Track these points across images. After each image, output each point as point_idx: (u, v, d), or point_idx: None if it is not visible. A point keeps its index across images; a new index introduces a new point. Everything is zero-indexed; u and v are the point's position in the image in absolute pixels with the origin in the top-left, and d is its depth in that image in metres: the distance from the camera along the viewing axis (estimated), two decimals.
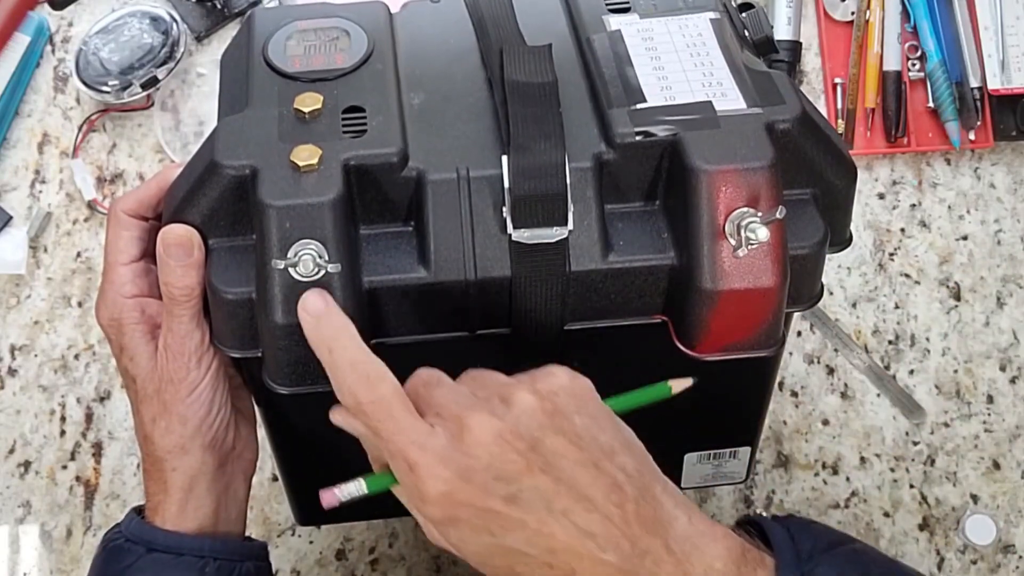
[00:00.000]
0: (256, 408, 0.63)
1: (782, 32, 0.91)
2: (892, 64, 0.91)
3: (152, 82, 0.88)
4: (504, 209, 0.51)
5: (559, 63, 0.55)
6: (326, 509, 0.49)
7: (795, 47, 0.91)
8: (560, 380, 0.48)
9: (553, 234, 0.51)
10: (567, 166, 0.51)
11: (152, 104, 0.91)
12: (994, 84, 0.88)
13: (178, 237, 0.53)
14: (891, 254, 0.88)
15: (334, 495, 0.49)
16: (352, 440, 0.65)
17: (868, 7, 0.91)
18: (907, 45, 0.92)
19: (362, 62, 0.56)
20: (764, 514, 0.81)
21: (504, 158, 0.51)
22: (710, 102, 0.54)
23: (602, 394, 0.62)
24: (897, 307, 0.87)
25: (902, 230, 0.89)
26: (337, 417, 0.51)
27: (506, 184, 0.51)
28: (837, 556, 0.49)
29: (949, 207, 0.90)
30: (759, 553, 0.49)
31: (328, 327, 0.48)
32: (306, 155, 0.51)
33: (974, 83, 0.89)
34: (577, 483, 0.46)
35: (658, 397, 0.52)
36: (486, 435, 0.45)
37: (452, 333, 0.54)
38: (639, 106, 0.54)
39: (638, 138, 0.52)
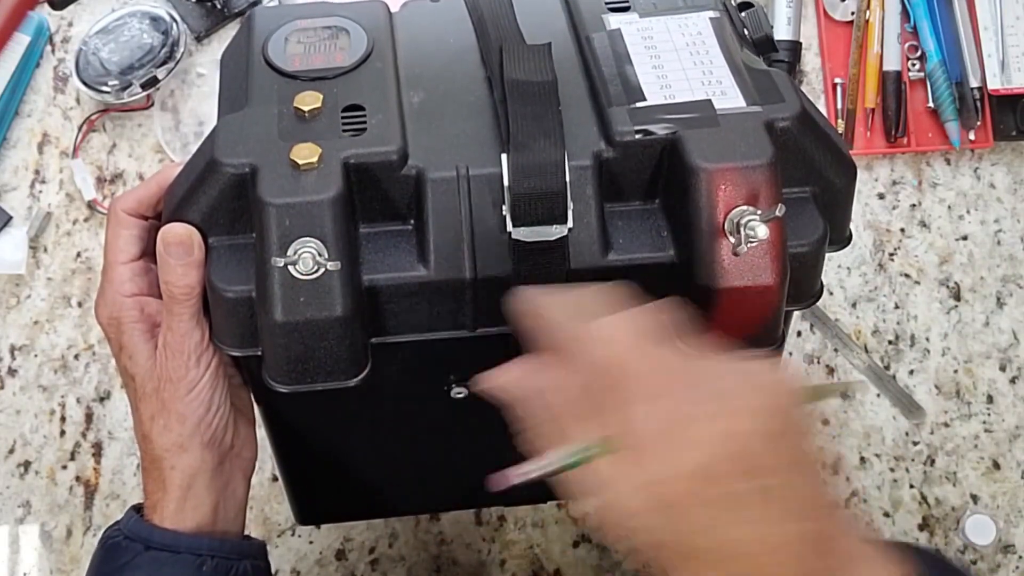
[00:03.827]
0: (256, 407, 0.62)
1: (782, 32, 0.91)
2: (892, 64, 0.91)
3: (152, 82, 0.88)
4: (504, 207, 0.51)
5: (559, 62, 0.54)
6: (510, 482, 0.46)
7: (795, 47, 0.92)
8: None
9: (553, 232, 0.51)
10: (567, 164, 0.51)
11: (152, 104, 0.91)
12: (994, 84, 0.88)
13: (178, 236, 0.53)
14: (891, 254, 0.88)
15: (517, 474, 0.46)
16: (351, 440, 0.65)
17: (868, 7, 0.91)
18: (907, 45, 0.92)
19: (362, 61, 0.56)
20: None
21: (504, 156, 0.51)
22: (710, 100, 0.54)
23: None
24: (897, 307, 0.87)
25: (902, 230, 0.89)
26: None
27: (506, 182, 0.51)
28: None
29: (949, 207, 0.90)
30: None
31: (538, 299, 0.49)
32: (306, 153, 0.51)
33: (974, 83, 0.89)
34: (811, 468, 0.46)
35: None
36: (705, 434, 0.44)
37: (452, 332, 0.54)
38: (639, 104, 0.54)
39: (638, 136, 0.52)
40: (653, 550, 0.45)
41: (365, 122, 0.53)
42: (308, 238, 0.49)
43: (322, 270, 0.49)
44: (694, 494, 0.43)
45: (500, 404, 0.49)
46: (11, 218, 0.87)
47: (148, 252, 0.57)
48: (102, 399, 0.84)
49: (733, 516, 0.43)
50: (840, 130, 0.90)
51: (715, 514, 0.43)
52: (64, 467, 0.83)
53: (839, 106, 0.91)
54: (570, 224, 0.51)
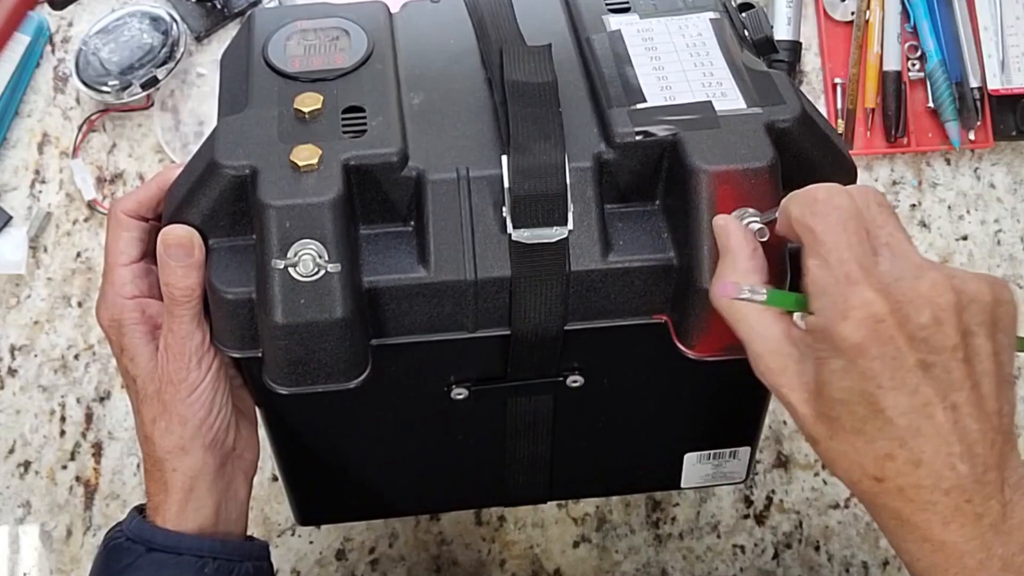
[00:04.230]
0: (256, 408, 0.63)
1: (782, 32, 0.91)
2: (892, 64, 0.91)
3: (152, 82, 0.88)
4: (504, 209, 0.51)
5: (559, 63, 0.55)
6: (721, 297, 0.48)
7: (795, 47, 0.92)
8: (1009, 298, 0.48)
9: (553, 234, 0.51)
10: (567, 166, 0.51)
11: (152, 104, 0.91)
12: (994, 84, 0.88)
13: (178, 238, 0.53)
14: None
15: (737, 287, 0.48)
16: (352, 441, 0.65)
17: (868, 7, 0.91)
18: (907, 45, 0.92)
19: (362, 62, 0.56)
20: (764, 513, 0.81)
21: (504, 158, 0.51)
22: (710, 102, 0.54)
23: (606, 395, 0.62)
24: None
25: None
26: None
27: (506, 184, 0.51)
28: None
29: (949, 207, 0.90)
30: None
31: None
32: (306, 155, 0.51)
33: (974, 83, 0.89)
34: (980, 390, 0.46)
35: None
36: (939, 297, 0.45)
37: (452, 333, 0.54)
38: (639, 106, 0.54)
39: (638, 138, 0.52)
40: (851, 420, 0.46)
41: (365, 123, 0.53)
42: (308, 240, 0.49)
43: (322, 272, 0.49)
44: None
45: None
46: (11, 218, 0.87)
47: (149, 254, 0.57)
48: (102, 399, 0.84)
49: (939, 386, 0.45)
50: (840, 130, 0.90)
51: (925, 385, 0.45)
52: (64, 467, 0.83)
53: (839, 106, 0.91)
54: (570, 226, 0.51)
